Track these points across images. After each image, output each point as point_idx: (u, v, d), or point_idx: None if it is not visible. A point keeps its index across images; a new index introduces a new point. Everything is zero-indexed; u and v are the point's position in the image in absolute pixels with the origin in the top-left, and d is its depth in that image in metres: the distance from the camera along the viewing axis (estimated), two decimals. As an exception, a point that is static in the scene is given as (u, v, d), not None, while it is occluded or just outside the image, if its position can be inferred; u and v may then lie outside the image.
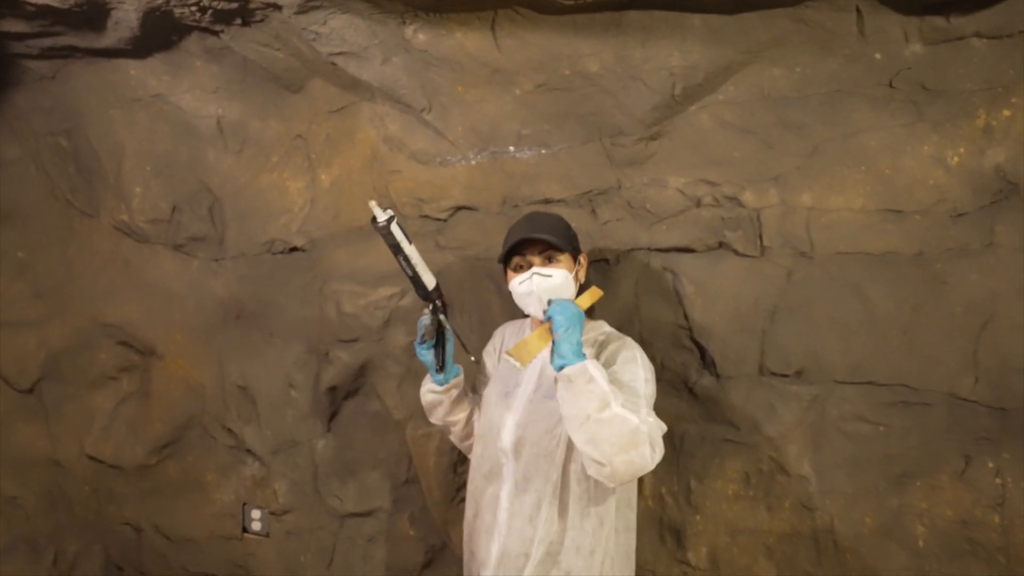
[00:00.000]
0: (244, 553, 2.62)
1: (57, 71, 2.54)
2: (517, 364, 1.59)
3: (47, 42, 2.34)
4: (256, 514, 2.59)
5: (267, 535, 2.59)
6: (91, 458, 2.73)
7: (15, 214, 2.75)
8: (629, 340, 1.78)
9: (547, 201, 2.17)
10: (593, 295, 1.78)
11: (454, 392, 1.93)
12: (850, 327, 1.94)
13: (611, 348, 1.74)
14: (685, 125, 2.03)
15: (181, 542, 2.69)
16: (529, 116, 2.12)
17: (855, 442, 1.97)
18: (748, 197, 1.99)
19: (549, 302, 1.65)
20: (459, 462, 2.34)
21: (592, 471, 1.58)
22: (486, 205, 2.24)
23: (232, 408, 2.59)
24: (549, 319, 1.60)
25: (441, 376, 1.88)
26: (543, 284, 1.71)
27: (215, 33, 2.23)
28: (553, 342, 1.59)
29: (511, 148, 2.19)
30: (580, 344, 1.58)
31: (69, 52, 2.41)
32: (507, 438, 1.79)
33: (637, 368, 1.68)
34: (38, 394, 2.78)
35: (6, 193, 2.74)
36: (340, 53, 2.16)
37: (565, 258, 1.76)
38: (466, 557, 1.91)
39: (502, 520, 1.76)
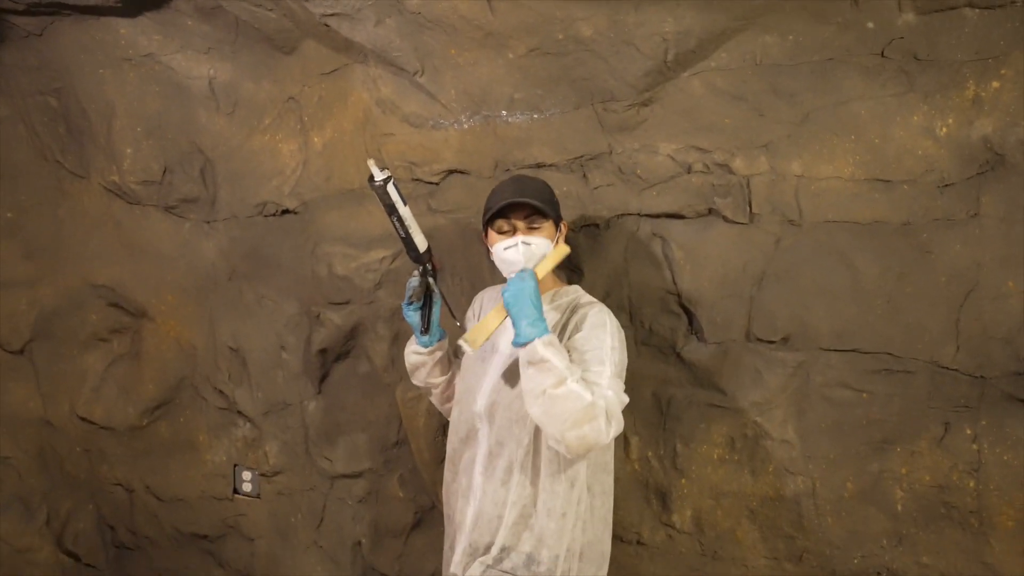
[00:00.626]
0: (235, 514, 2.65)
1: (44, 28, 2.51)
2: (469, 349, 1.67)
3: (33, -2, 2.32)
4: (247, 475, 2.62)
5: (258, 496, 2.62)
6: (82, 419, 2.75)
7: (4, 174, 2.73)
8: (600, 306, 1.79)
9: (539, 165, 2.17)
10: (557, 255, 1.79)
11: (438, 354, 1.96)
12: (836, 295, 1.97)
13: (580, 313, 1.76)
14: (677, 91, 2.03)
15: (172, 502, 2.72)
16: (522, 80, 2.12)
17: (838, 408, 2.00)
18: (738, 164, 2.00)
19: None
20: (448, 424, 2.37)
21: (551, 443, 1.62)
22: (478, 169, 2.25)
23: (223, 369, 2.60)
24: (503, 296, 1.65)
25: (426, 338, 1.91)
26: (527, 252, 1.73)
27: (208, -8, 2.22)
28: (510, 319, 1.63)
29: (503, 112, 2.19)
30: (538, 317, 1.60)
31: (56, 9, 2.39)
32: (481, 402, 1.81)
33: (604, 335, 1.69)
34: (29, 355, 2.79)
35: (-3, 152, 2.73)
36: (333, 14, 2.14)
37: (548, 225, 1.78)
38: (445, 520, 1.95)
39: (477, 484, 1.79)
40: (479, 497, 1.78)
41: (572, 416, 1.53)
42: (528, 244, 1.73)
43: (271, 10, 2.24)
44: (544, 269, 1.75)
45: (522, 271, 1.69)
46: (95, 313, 2.71)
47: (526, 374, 1.60)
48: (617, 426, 1.59)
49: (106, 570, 2.84)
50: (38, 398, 2.80)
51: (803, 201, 1.97)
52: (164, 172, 2.55)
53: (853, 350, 1.97)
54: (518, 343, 1.61)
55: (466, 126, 2.25)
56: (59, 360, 2.77)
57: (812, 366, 2.01)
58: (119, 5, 2.30)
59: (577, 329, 1.71)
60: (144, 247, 2.64)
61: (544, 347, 1.57)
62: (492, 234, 1.80)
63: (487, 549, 1.73)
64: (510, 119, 2.19)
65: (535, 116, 2.17)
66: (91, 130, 2.58)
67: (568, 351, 1.67)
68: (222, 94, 2.45)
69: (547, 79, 2.10)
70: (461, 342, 1.68)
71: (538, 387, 1.56)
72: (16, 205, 2.75)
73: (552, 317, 1.77)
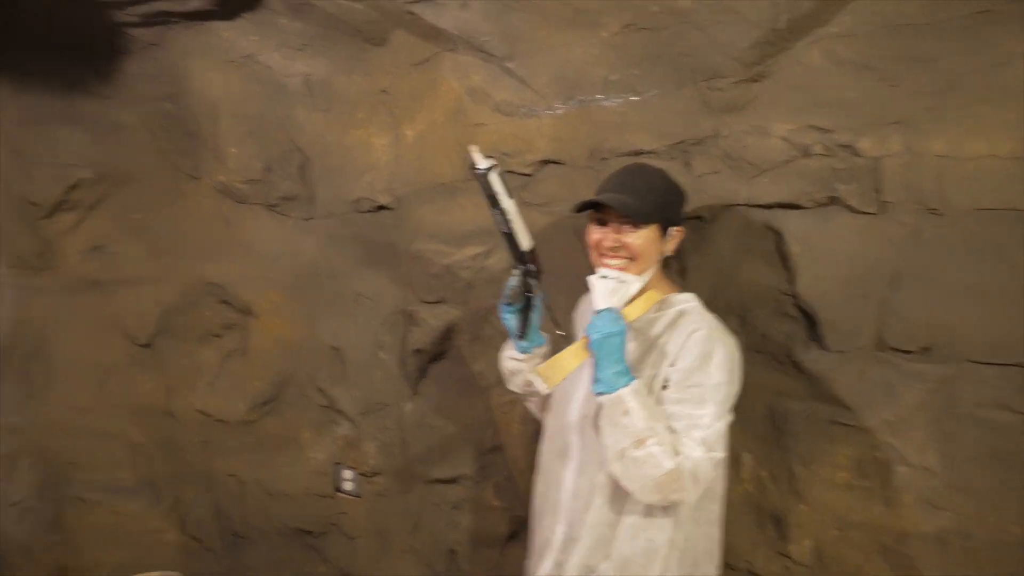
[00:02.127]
0: (336, 512, 2.64)
1: (160, 37, 2.59)
2: (544, 387, 1.57)
3: (143, 9, 2.38)
4: (348, 474, 2.60)
5: (358, 496, 2.59)
6: (200, 411, 2.84)
7: (132, 178, 2.85)
8: (710, 327, 1.57)
9: (637, 153, 1.97)
10: (650, 299, 1.62)
11: (535, 361, 1.79)
12: (991, 297, 1.64)
13: (682, 333, 1.55)
14: (792, 63, 1.76)
15: (279, 496, 2.75)
16: (616, 60, 1.93)
17: (995, 433, 1.67)
18: (865, 144, 1.71)
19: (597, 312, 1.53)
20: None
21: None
22: (572, 158, 2.08)
23: (324, 368, 2.60)
24: (587, 336, 1.51)
25: (524, 343, 1.76)
26: (616, 290, 1.55)
27: (292, -14, 2.19)
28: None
29: (598, 96, 2.01)
30: (621, 365, 1.46)
31: (165, 18, 2.44)
32: (574, 413, 1.65)
33: (709, 367, 1.50)
34: (155, 348, 2.91)
35: (124, 157, 2.85)
36: (417, 1, 2.05)
37: (649, 232, 1.57)
38: (533, 531, 1.81)
39: (565, 500, 1.64)
40: (565, 515, 1.63)
41: (652, 482, 1.43)
42: (622, 282, 1.55)
43: (358, 2, 2.17)
44: (637, 314, 1.59)
45: (612, 313, 1.51)
46: (209, 310, 2.78)
47: (603, 427, 1.49)
48: (705, 482, 1.47)
49: (223, 556, 2.93)
50: (163, 390, 2.92)
51: (948, 186, 1.65)
52: (266, 171, 2.57)
53: (1014, 364, 1.64)
54: (599, 392, 1.47)
55: (560, 112, 2.08)
56: (180, 354, 2.87)
57: (960, 382, 1.70)
58: (217, 8, 2.32)
59: (680, 357, 1.52)
60: (250, 245, 2.67)
61: (628, 399, 1.45)
62: (591, 226, 1.64)
63: (571, 569, 1.59)
64: (606, 103, 2.01)
65: (632, 98, 1.97)
66: (201, 132, 2.63)
67: (665, 381, 1.51)
68: (317, 90, 2.42)
69: (644, 57, 1.90)
70: (534, 377, 1.59)
71: (616, 445, 1.45)
72: (142, 206, 2.87)
73: (652, 332, 1.59)
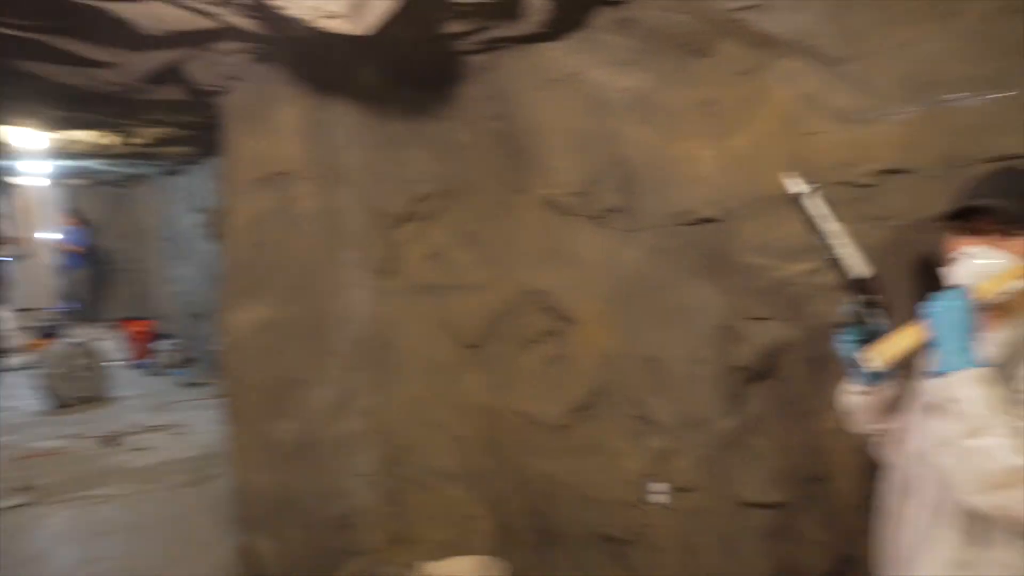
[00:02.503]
0: (644, 523, 2.65)
1: (493, 62, 2.81)
2: (870, 366, 1.40)
3: (481, 36, 2.58)
4: (658, 487, 2.59)
5: (668, 509, 2.57)
6: (519, 412, 3.01)
7: (466, 192, 3.13)
8: None
9: (1004, 158, 1.72)
10: (1013, 274, 1.34)
11: (879, 397, 1.59)
12: None
13: None
14: None
15: (589, 501, 2.82)
16: (979, 52, 1.70)
17: None
18: None
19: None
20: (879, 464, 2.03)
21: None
22: (922, 167, 1.87)
23: (640, 379, 2.62)
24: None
25: (866, 377, 1.56)
26: (970, 268, 1.36)
27: (620, 4, 2.24)
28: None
29: (954, 95, 1.79)
30: (963, 343, 1.27)
31: (499, 43, 2.64)
32: (915, 440, 1.47)
33: None
34: (482, 350, 3.15)
35: (461, 173, 3.14)
36: (746, 7, 1.99)
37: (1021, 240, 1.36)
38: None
39: (908, 539, 1.47)
40: (915, 559, 1.46)
41: (984, 478, 1.21)
42: (974, 258, 1.36)
43: (683, 12, 2.16)
44: (995, 290, 1.35)
45: (960, 289, 1.33)
46: (532, 316, 2.95)
47: (937, 412, 1.29)
48: None
49: (533, 549, 3.08)
50: (487, 389, 3.15)
51: None
52: (590, 183, 2.66)
53: None
54: (934, 373, 1.29)
55: (906, 116, 1.89)
56: (504, 357, 3.08)
57: None
58: (547, 31, 2.45)
59: None
60: (573, 255, 2.78)
61: (966, 383, 1.24)
62: (957, 238, 1.43)
63: None
64: (963, 103, 1.78)
65: (996, 96, 1.73)
66: (528, 148, 2.80)
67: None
68: (641, 103, 2.46)
69: (1014, 46, 1.65)
70: (857, 355, 1.42)
71: (948, 431, 1.26)
72: (475, 218, 3.13)
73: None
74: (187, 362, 8.07)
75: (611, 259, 2.69)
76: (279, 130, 2.91)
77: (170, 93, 3.13)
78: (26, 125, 4.77)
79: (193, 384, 7.26)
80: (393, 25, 2.10)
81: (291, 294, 3.00)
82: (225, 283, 3.02)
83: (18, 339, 9.08)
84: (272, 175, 2.93)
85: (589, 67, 2.56)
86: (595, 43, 2.50)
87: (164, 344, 8.12)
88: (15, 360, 8.30)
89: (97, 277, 11.00)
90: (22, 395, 6.97)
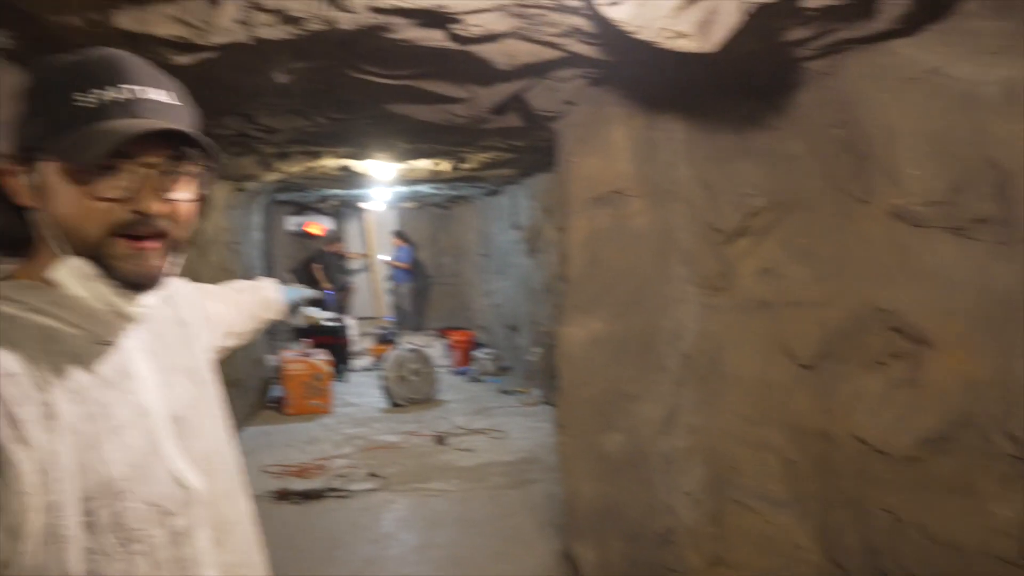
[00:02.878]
0: (1025, 579, 2.29)
1: (833, 66, 2.65)
2: None
3: (823, 40, 2.45)
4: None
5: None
6: (858, 439, 2.78)
7: (800, 204, 2.98)
8: None
9: None
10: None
11: None
12: None
13: None
14: None
15: (945, 547, 2.51)
16: None
17: None
18: None
19: None
20: None
21: None
22: None
23: (1018, 412, 2.28)
24: None
25: None
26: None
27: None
28: None
29: None
30: None
31: (842, 46, 2.48)
32: None
33: None
34: (816, 370, 2.97)
35: (791, 185, 2.99)
36: None
37: None
38: None
39: None
40: None
41: None
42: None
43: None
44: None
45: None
46: (876, 336, 2.71)
47: None
48: None
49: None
50: (821, 412, 2.96)
51: None
52: (952, 191, 2.38)
53: None
54: None
55: None
56: (841, 378, 2.87)
57: None
58: (900, 27, 2.25)
59: None
60: (929, 271, 2.51)
61: None
62: None
63: None
64: None
65: None
66: (874, 155, 2.59)
67: None
68: (1018, 97, 2.15)
69: None
70: None
71: None
72: (808, 232, 2.97)
73: None
74: (503, 370, 8.67)
75: (978, 275, 2.38)
76: (612, 150, 3.01)
77: (508, 121, 3.38)
78: (380, 158, 5.47)
79: (508, 392, 7.77)
80: (737, 39, 2.07)
81: (623, 309, 3.08)
82: (562, 299, 3.18)
83: (362, 345, 10.43)
84: (606, 194, 3.03)
85: (952, 60, 2.31)
86: (960, 32, 2.25)
87: (482, 353, 8.80)
88: (359, 363, 9.53)
89: (422, 291, 12.28)
90: (366, 394, 7.97)
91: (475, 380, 8.47)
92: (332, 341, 8.34)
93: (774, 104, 2.97)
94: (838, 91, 2.69)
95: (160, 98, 0.91)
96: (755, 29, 2.05)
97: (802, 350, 2.97)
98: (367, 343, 10.44)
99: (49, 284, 0.92)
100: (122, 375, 0.95)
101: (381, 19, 2.01)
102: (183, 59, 2.19)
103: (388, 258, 11.84)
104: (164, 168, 0.91)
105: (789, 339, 3.01)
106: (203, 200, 1.00)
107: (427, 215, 12.67)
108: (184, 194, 0.94)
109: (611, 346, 3.10)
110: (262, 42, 2.13)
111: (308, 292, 1.88)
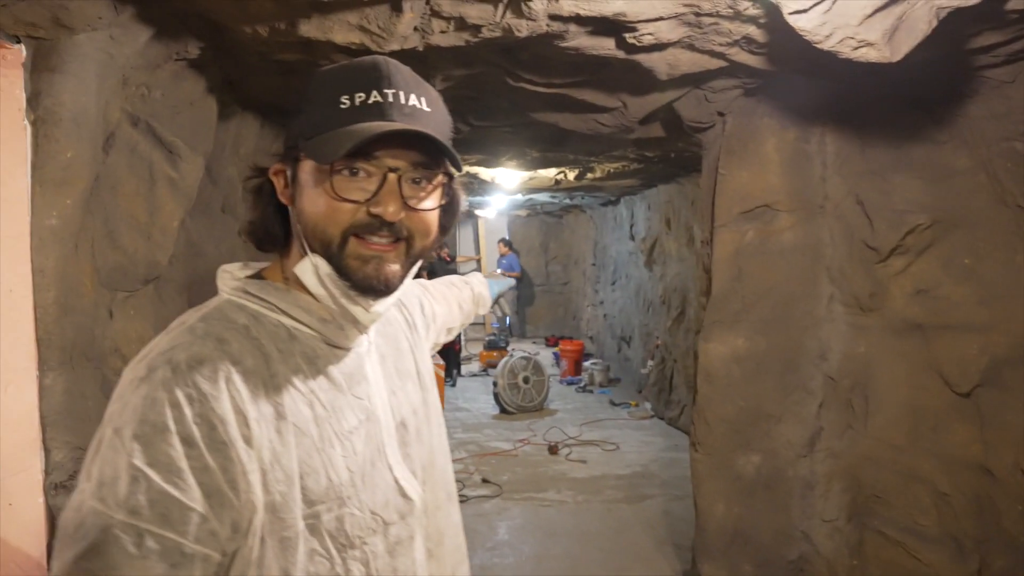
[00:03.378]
0: None
1: (1016, 75, 2.49)
2: None
3: (1014, 47, 2.30)
4: None
5: None
6: (1026, 474, 2.60)
7: (963, 222, 2.81)
8: None
9: None
10: None
11: None
12: None
13: None
14: None
15: None
16: None
17: None
18: None
19: None
20: None
21: None
22: None
23: None
24: None
25: None
26: None
27: None
28: None
29: None
30: None
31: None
32: None
33: None
34: (975, 398, 2.79)
35: (955, 201, 2.83)
36: None
37: None
38: None
39: None
40: None
41: None
42: None
43: None
44: None
45: None
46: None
47: None
48: None
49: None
50: (980, 444, 2.78)
51: None
52: None
53: None
54: None
55: None
56: (1006, 409, 2.69)
57: None
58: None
59: None
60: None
61: None
62: None
63: None
64: None
65: None
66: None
67: None
68: None
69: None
70: None
71: None
72: (974, 251, 2.80)
73: None
74: (612, 382, 8.58)
75: None
76: (762, 162, 2.93)
77: (650, 131, 3.34)
78: (509, 166, 5.51)
79: (618, 404, 7.67)
80: (921, 47, 1.97)
81: (767, 327, 2.98)
82: (705, 314, 3.11)
83: (472, 351, 10.55)
84: (755, 208, 2.95)
85: None
86: None
87: (592, 363, 8.74)
88: (469, 368, 9.64)
89: (528, 298, 12.32)
90: (475, 399, 8.05)
91: (584, 390, 8.41)
92: (443, 345, 8.42)
93: (938, 116, 2.82)
94: (1020, 102, 2.53)
95: (415, 103, 0.91)
96: (943, 35, 1.95)
97: (959, 376, 2.80)
98: (475, 348, 10.54)
99: (293, 285, 0.94)
100: (353, 380, 0.95)
101: (557, 27, 2.02)
102: (354, 66, 2.25)
103: (497, 265, 11.92)
104: (408, 173, 0.90)
105: (944, 364, 2.84)
106: (448, 210, 1.01)
107: (538, 223, 12.71)
108: (427, 202, 0.93)
109: (753, 364, 3.00)
110: (430, 49, 2.18)
111: (508, 282, 1.86)
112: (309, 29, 1.99)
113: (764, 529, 3.12)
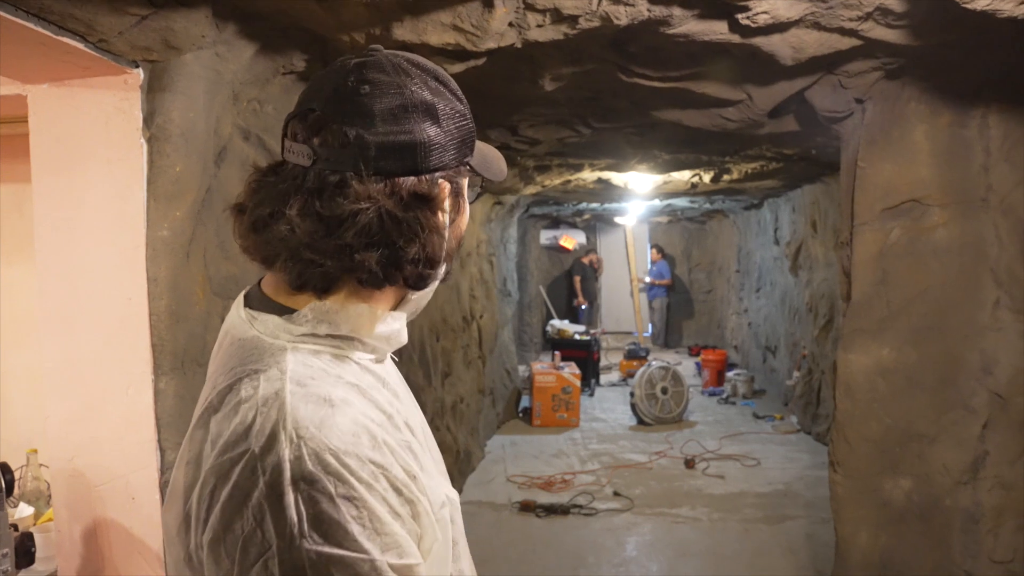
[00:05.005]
0: None
1: None
2: None
3: None
4: None
5: None
6: None
7: None
8: None
9: None
10: None
11: None
12: None
13: None
14: None
15: None
16: None
17: None
18: None
19: None
20: None
21: None
22: None
23: None
24: None
25: None
26: None
27: None
28: None
29: None
30: None
31: None
32: None
33: None
34: None
35: None
36: None
37: None
38: None
39: None
40: None
41: None
42: None
43: None
44: None
45: None
46: None
47: None
48: None
49: None
50: None
51: None
52: None
53: None
54: None
55: None
56: None
57: None
58: None
59: None
60: None
61: None
62: None
63: None
64: None
65: None
66: None
67: None
68: None
69: None
70: None
71: None
72: None
73: None
74: (756, 393, 8.15)
75: None
76: (910, 152, 2.62)
77: (783, 125, 3.09)
78: (640, 170, 5.35)
79: (762, 417, 7.27)
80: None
81: (918, 336, 2.66)
82: (845, 321, 2.82)
83: (611, 359, 10.37)
84: (901, 203, 2.64)
85: None
86: None
87: (735, 374, 8.35)
88: (607, 378, 9.47)
89: (675, 307, 11.98)
90: (613, 409, 7.87)
91: (726, 402, 8.03)
92: (582, 355, 8.34)
93: None
94: None
95: None
96: None
97: None
98: (616, 358, 10.35)
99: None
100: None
101: (659, 11, 1.87)
102: (455, 68, 2.21)
103: (648, 278, 11.70)
104: None
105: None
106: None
107: (679, 229, 12.35)
108: None
109: (901, 377, 2.68)
110: (530, 45, 2.09)
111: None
112: (403, 32, 1.96)
113: (917, 565, 2.77)
